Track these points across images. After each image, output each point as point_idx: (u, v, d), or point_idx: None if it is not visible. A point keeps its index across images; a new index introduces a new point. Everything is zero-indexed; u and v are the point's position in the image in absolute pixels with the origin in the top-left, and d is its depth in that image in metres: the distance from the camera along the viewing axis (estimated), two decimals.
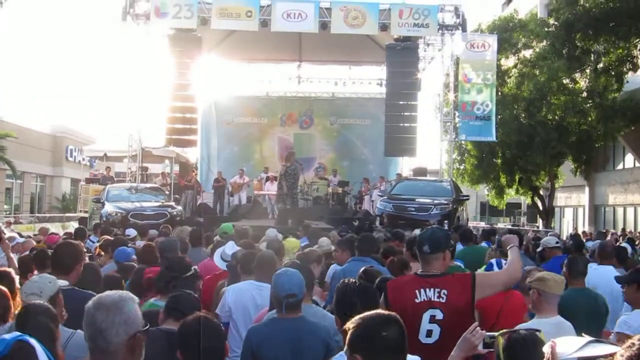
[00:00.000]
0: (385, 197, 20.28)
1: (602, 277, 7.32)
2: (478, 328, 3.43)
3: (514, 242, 5.11)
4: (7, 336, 3.15)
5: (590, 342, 2.34)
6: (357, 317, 2.95)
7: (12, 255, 7.51)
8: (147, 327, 3.29)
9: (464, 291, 4.49)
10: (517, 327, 3.86)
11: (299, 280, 4.85)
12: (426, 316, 4.39)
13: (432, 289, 4.46)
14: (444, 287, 4.46)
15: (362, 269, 6.00)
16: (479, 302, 4.66)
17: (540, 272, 5.48)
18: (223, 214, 24.69)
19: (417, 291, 4.45)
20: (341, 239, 8.72)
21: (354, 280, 4.36)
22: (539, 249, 9.75)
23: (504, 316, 5.64)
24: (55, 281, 4.60)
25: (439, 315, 4.39)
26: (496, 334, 3.31)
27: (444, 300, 4.42)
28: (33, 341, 3.13)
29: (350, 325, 2.93)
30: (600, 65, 29.00)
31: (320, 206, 25.89)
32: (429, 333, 4.40)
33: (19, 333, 3.33)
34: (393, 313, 3.05)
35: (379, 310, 3.04)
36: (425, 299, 4.43)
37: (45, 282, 4.60)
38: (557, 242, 9.18)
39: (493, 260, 6.71)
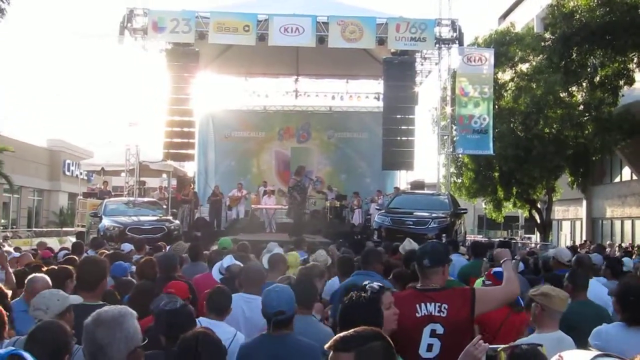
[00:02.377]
0: (383, 211, 20.28)
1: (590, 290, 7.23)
2: (481, 341, 3.41)
3: (507, 255, 5.09)
4: (2, 351, 3.15)
5: (597, 356, 2.33)
6: (337, 335, 2.92)
7: (10, 270, 7.48)
8: (145, 341, 3.28)
9: (464, 306, 4.50)
10: (518, 342, 3.84)
11: (289, 297, 4.83)
12: (427, 330, 4.39)
13: (432, 304, 4.47)
14: (445, 301, 4.47)
15: (368, 283, 5.97)
16: (478, 317, 4.64)
17: (544, 287, 5.43)
18: (220, 228, 24.67)
19: (417, 305, 4.45)
20: (339, 259, 8.65)
21: (359, 293, 4.34)
22: (550, 256, 9.63)
23: (503, 333, 5.63)
24: (64, 299, 4.55)
25: (440, 329, 4.39)
26: (499, 347, 3.29)
27: (444, 315, 4.43)
28: (27, 355, 3.12)
29: (327, 345, 2.89)
30: (597, 78, 29.04)
31: (318, 220, 25.87)
32: (430, 347, 4.40)
33: (13, 348, 3.33)
34: (376, 329, 3.02)
35: (363, 327, 2.99)
36: (426, 314, 4.44)
37: (54, 299, 4.55)
38: (568, 261, 9.01)
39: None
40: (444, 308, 4.44)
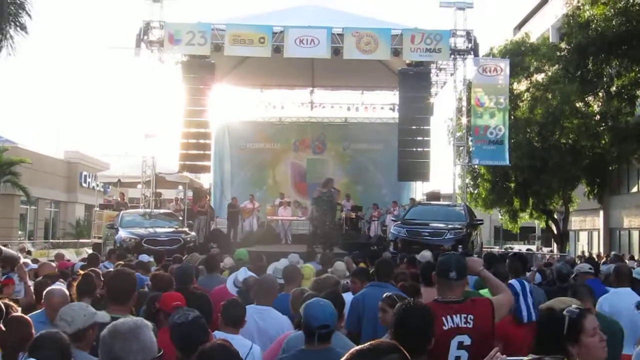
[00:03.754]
0: (399, 222, 20.19)
1: (622, 299, 7.19)
2: (499, 353, 3.39)
3: (481, 264, 5.14)
4: None
5: None
6: (353, 349, 2.90)
7: (29, 282, 7.52)
8: (161, 353, 3.29)
9: (487, 316, 4.57)
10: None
11: (332, 311, 4.73)
12: (454, 343, 4.41)
13: (458, 315, 4.48)
14: (470, 312, 4.51)
15: (389, 294, 5.95)
16: (501, 333, 4.67)
17: (565, 299, 5.39)
18: (237, 240, 24.67)
19: (443, 318, 4.45)
20: (356, 270, 8.62)
21: (415, 300, 4.31)
22: (572, 276, 9.65)
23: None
24: (90, 315, 4.55)
25: (467, 340, 4.42)
26: (524, 359, 3.27)
27: (471, 326, 4.46)
28: None
29: (343, 359, 2.88)
30: (613, 88, 28.92)
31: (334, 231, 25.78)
32: None
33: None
34: (392, 342, 3.00)
35: (379, 340, 2.98)
36: (453, 326, 4.45)
37: (80, 313, 4.56)
38: (590, 268, 9.15)
39: (514, 281, 6.52)
40: (470, 319, 4.47)
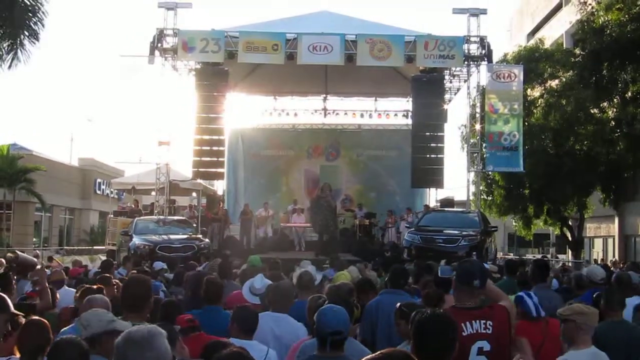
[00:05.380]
0: (413, 229, 20.15)
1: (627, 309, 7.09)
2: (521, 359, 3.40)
3: None
4: None
5: None
6: (364, 358, 2.90)
7: (47, 288, 7.50)
8: None
9: (505, 321, 4.59)
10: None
11: (346, 317, 4.73)
12: (474, 349, 4.40)
13: (477, 321, 4.48)
14: (489, 318, 4.51)
15: (399, 305, 5.93)
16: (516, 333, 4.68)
17: (576, 305, 5.42)
18: (250, 247, 24.67)
19: (463, 324, 4.43)
20: (359, 281, 8.51)
21: (434, 310, 4.29)
22: (584, 272, 9.49)
23: (547, 345, 5.63)
24: (107, 322, 4.49)
25: (487, 346, 4.42)
26: None
27: (490, 332, 4.46)
28: None
29: None
30: (629, 94, 28.71)
31: (347, 238, 25.78)
32: None
33: None
34: (404, 350, 3.01)
35: (391, 349, 2.99)
36: (472, 332, 4.45)
37: (96, 318, 4.53)
38: (601, 280, 8.73)
39: (523, 293, 6.57)
40: (489, 325, 4.48)
